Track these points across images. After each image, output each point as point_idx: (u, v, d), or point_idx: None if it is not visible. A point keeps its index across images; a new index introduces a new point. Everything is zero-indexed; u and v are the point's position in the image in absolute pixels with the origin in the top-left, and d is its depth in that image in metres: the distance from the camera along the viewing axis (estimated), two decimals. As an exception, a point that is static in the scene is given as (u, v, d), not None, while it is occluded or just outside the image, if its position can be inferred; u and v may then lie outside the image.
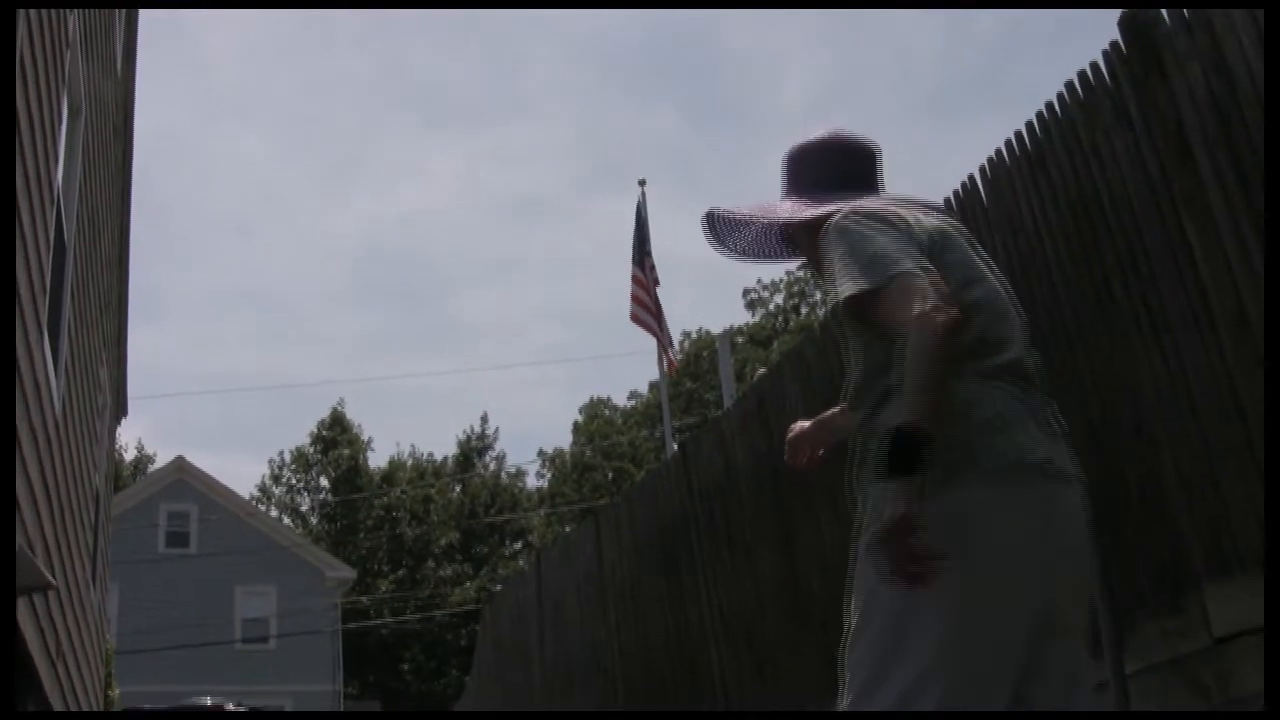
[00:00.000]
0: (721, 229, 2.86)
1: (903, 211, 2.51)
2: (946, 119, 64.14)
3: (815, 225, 2.58)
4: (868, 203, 2.53)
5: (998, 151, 5.21)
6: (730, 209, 2.81)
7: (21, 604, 5.55)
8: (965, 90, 64.46)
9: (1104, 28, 4.85)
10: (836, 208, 2.56)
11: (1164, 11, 4.33)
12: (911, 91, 63.99)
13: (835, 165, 2.71)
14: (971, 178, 5.39)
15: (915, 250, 2.37)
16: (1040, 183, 4.96)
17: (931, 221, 2.53)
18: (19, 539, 5.15)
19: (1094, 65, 4.66)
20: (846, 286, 2.37)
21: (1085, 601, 2.37)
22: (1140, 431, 4.44)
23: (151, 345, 58.33)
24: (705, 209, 2.85)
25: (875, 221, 2.44)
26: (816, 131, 2.79)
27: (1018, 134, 5.08)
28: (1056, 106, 4.86)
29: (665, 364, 13.54)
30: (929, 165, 57.21)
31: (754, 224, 2.83)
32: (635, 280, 13.12)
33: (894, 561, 2.11)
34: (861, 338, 2.46)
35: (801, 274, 41.48)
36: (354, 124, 68.86)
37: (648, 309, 12.95)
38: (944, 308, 2.21)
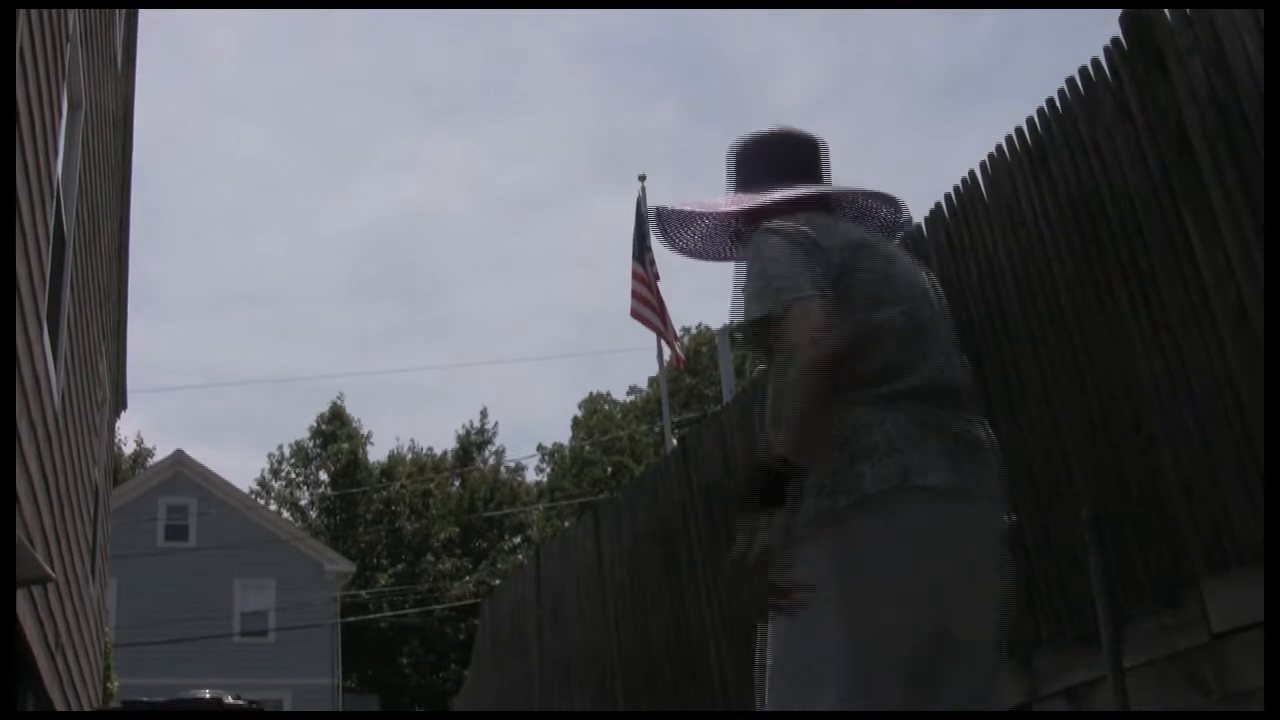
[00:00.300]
0: (671, 227, 2.82)
1: (822, 228, 2.48)
2: (947, 115, 64.15)
3: (760, 220, 2.56)
4: (784, 221, 2.49)
5: (998, 147, 5.21)
6: (676, 205, 2.78)
7: (21, 596, 5.55)
8: (966, 86, 64.46)
9: (1105, 23, 4.85)
10: (776, 197, 2.57)
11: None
12: (913, 87, 63.98)
13: (778, 157, 2.69)
14: (972, 173, 5.39)
15: (821, 273, 2.35)
16: (1041, 179, 4.96)
17: (853, 236, 2.49)
18: (18, 532, 5.15)
19: (1095, 61, 4.66)
20: (747, 310, 2.39)
21: (992, 614, 2.36)
22: (1140, 428, 4.44)
23: (150, 339, 58.31)
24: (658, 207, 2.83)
25: (788, 240, 2.41)
26: (761, 127, 2.77)
27: (1019, 130, 5.08)
28: (1058, 102, 4.86)
29: (672, 359, 13.50)
30: (930, 161, 57.24)
31: (703, 222, 2.80)
32: (635, 276, 13.07)
33: (759, 592, 2.16)
34: (771, 362, 2.42)
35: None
36: (353, 118, 68.79)
37: (649, 304, 12.90)
38: (830, 339, 2.20)
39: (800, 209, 2.55)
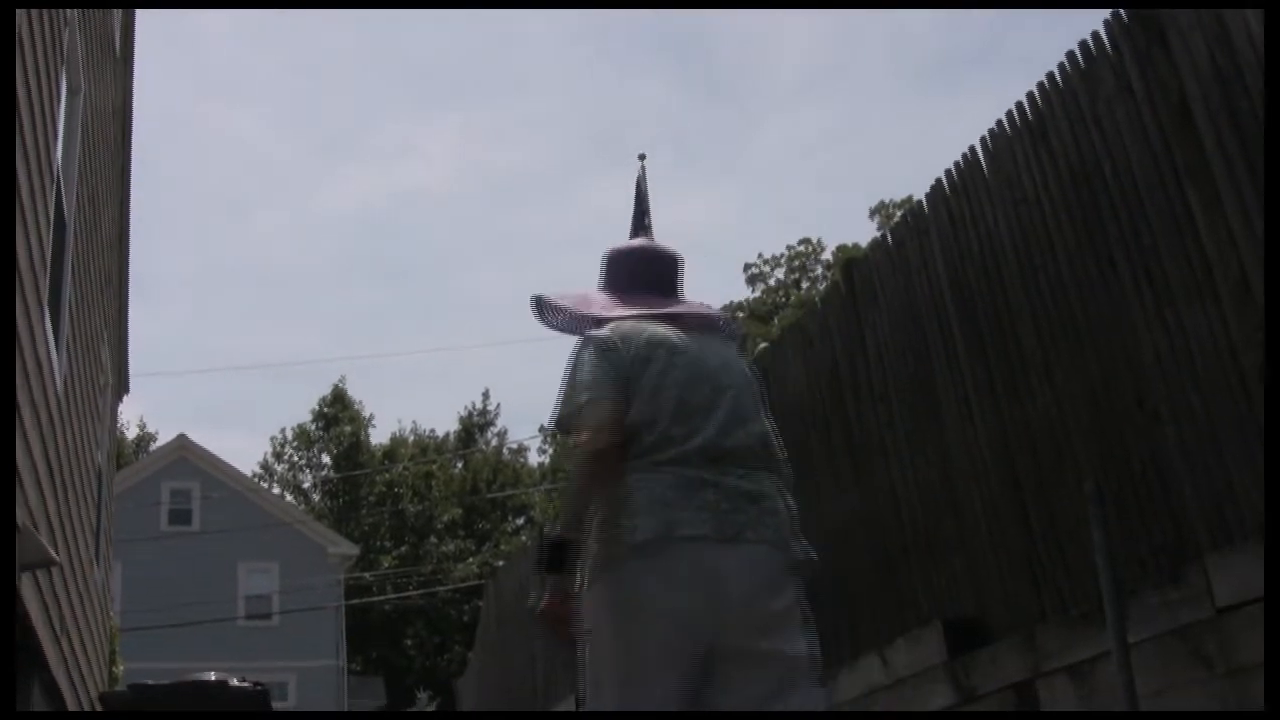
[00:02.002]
0: (547, 309, 3.33)
1: (632, 330, 3.03)
2: (947, 89, 63.93)
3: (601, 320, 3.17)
4: (599, 332, 3.05)
5: (999, 122, 5.19)
6: (552, 298, 3.30)
7: (26, 580, 5.56)
8: (966, 60, 64.25)
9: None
10: (623, 314, 3.12)
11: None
12: (911, 62, 63.76)
13: (641, 269, 3.28)
14: (972, 148, 5.37)
15: (615, 376, 2.92)
16: (1042, 153, 4.95)
17: (655, 335, 3.01)
18: (22, 516, 5.16)
19: (1095, 35, 4.64)
20: (554, 408, 3.02)
21: (769, 634, 2.77)
22: (1142, 402, 4.44)
23: (152, 323, 58.30)
24: (536, 293, 3.37)
25: (595, 351, 2.98)
26: (633, 241, 3.42)
27: (1019, 104, 5.07)
28: (1058, 76, 4.84)
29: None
30: (930, 136, 57.09)
31: (572, 310, 3.34)
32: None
33: (550, 631, 2.89)
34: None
35: (801, 248, 41.39)
36: (349, 101, 68.69)
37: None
38: (600, 439, 2.83)
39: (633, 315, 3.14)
